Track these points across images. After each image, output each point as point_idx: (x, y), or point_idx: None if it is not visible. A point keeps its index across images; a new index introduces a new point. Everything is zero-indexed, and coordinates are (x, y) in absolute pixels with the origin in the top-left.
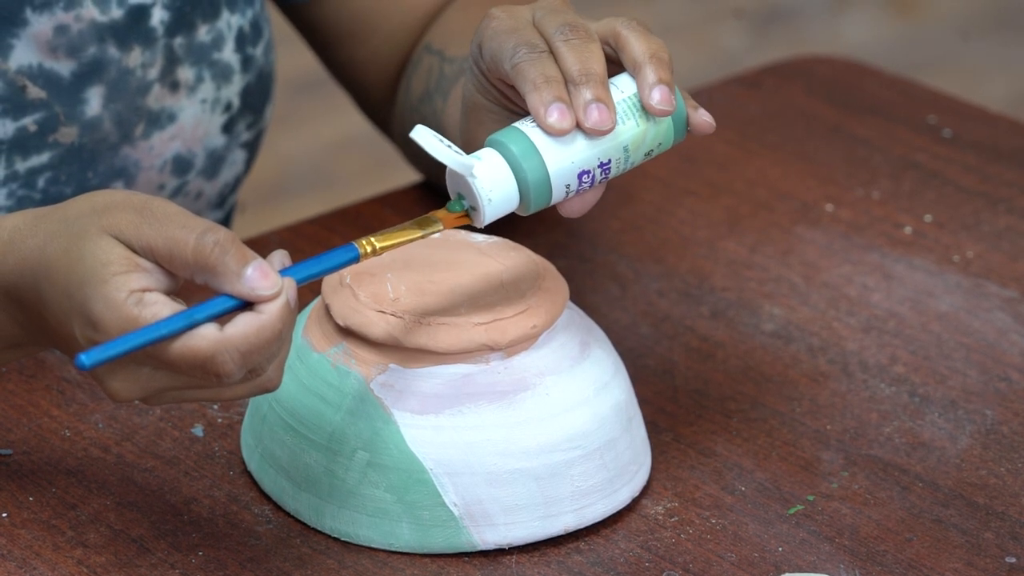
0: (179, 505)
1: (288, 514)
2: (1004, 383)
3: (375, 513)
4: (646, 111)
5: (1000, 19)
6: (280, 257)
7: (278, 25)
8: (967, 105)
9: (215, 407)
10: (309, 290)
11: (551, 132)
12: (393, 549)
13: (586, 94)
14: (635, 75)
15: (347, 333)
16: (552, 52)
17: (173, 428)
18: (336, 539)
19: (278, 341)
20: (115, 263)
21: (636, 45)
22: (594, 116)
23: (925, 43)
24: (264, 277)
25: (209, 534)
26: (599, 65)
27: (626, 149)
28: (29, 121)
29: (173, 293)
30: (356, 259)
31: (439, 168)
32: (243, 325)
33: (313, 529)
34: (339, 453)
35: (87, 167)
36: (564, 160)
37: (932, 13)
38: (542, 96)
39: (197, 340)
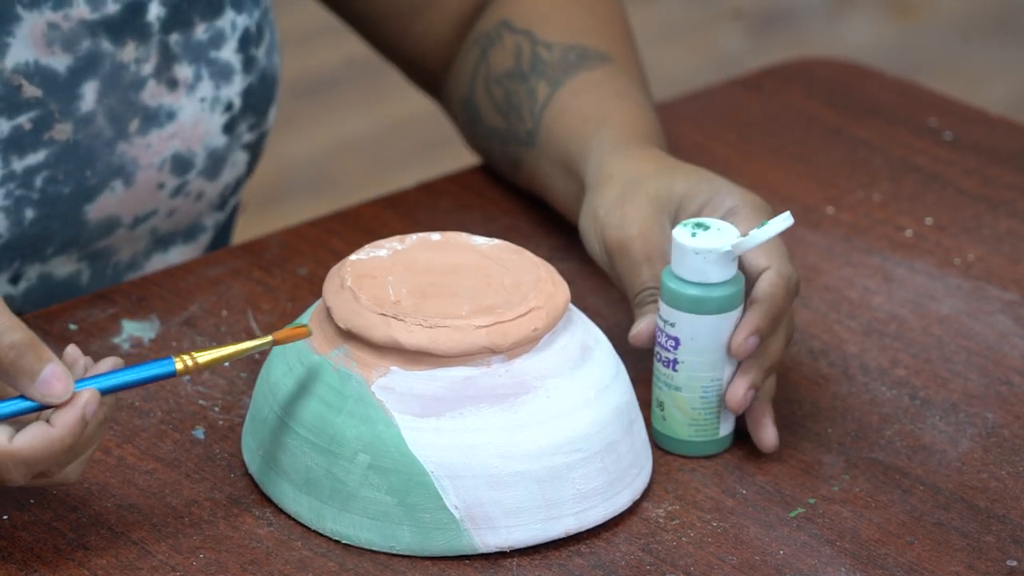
0: (180, 507)
1: (289, 516)
2: (1005, 386)
3: (376, 516)
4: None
5: (1000, 21)
6: (111, 363)
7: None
8: (967, 107)
9: (216, 408)
10: (310, 292)
11: (735, 348)
12: (394, 552)
13: (759, 379)
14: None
15: (348, 336)
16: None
17: (174, 430)
18: (337, 541)
19: (69, 452)
20: None
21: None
22: (738, 396)
23: (925, 45)
24: (55, 382)
25: (210, 536)
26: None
27: (684, 384)
28: (24, 119)
29: None
30: (172, 374)
31: (492, 147)
32: (30, 437)
33: (314, 531)
34: (340, 456)
35: (84, 165)
36: (709, 322)
37: (932, 15)
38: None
39: None
